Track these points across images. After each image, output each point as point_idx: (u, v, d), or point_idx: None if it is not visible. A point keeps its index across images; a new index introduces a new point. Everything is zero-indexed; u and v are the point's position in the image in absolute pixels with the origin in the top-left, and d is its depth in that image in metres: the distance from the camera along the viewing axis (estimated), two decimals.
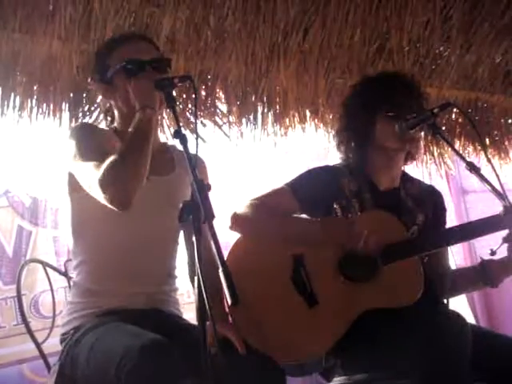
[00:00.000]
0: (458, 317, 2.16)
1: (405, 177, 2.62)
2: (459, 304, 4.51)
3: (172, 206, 2.13)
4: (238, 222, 2.44)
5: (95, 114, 2.92)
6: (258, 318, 2.27)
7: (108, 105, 2.35)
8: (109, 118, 2.36)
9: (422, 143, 2.67)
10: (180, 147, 1.78)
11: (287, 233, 2.43)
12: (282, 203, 2.47)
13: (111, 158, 1.92)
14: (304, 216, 2.53)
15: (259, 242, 2.44)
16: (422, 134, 2.59)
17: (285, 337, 2.28)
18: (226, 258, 2.30)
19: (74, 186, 2.12)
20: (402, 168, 2.62)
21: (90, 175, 1.95)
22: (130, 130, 1.97)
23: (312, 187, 2.47)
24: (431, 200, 2.62)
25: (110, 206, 1.92)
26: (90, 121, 2.92)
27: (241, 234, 2.46)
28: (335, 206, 2.45)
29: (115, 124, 2.27)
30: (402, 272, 2.32)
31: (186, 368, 1.76)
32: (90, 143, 2.08)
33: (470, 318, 4.63)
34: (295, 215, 2.51)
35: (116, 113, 2.26)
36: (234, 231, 2.45)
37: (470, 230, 2.41)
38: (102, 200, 1.92)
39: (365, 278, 2.33)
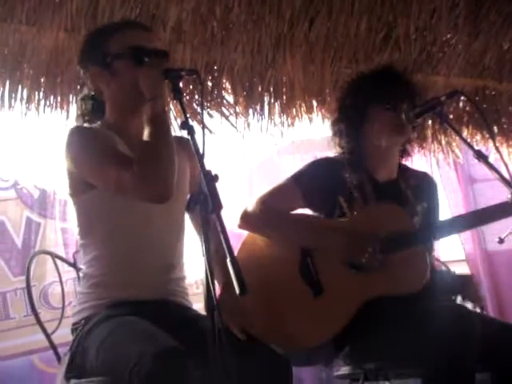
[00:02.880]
0: (465, 310, 2.20)
1: (401, 168, 2.63)
2: None
3: (178, 192, 2.15)
4: (245, 223, 2.50)
5: None
6: (265, 308, 2.31)
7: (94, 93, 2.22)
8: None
9: (428, 132, 2.64)
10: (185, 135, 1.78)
11: (291, 238, 2.47)
12: (288, 200, 2.51)
13: (141, 154, 1.93)
14: (307, 212, 2.56)
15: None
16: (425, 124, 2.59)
17: (290, 325, 2.32)
18: (237, 249, 2.37)
19: (78, 189, 2.11)
20: (398, 161, 2.63)
21: (118, 177, 1.94)
22: (146, 122, 1.96)
23: (316, 180, 2.49)
24: (427, 187, 2.64)
25: (151, 202, 1.95)
26: None
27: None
28: (340, 199, 2.46)
29: (106, 118, 2.20)
30: (408, 261, 2.34)
31: (200, 373, 1.77)
32: (97, 145, 2.05)
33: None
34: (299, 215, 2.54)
35: (108, 103, 2.19)
36: (243, 230, 2.50)
37: (476, 218, 2.43)
38: (139, 198, 1.94)
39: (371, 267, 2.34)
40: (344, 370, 2.46)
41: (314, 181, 2.50)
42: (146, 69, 2.02)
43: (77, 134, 2.13)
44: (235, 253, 2.17)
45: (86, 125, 2.22)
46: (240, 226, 2.51)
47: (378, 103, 2.49)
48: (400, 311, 2.22)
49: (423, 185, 2.63)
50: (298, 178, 2.52)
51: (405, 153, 2.64)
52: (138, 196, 1.94)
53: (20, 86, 2.89)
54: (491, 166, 2.14)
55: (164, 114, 2.00)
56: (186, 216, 2.26)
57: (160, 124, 1.97)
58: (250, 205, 2.51)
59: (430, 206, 2.59)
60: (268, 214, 2.47)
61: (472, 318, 2.14)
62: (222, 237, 1.53)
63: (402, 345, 2.18)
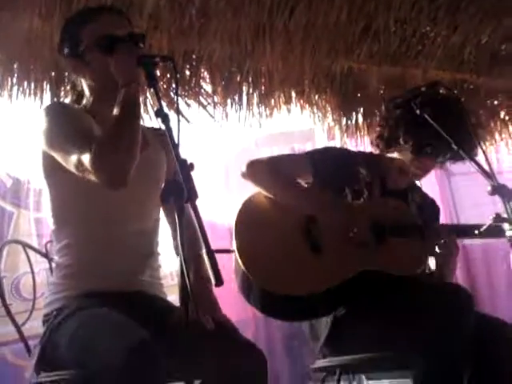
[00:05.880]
0: (465, 294, 2.21)
1: (411, 184, 2.68)
2: None
3: (153, 181, 2.13)
4: (252, 173, 2.48)
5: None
6: (265, 259, 2.34)
7: (75, 81, 2.24)
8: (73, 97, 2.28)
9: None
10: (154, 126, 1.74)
11: (290, 200, 2.48)
12: (295, 169, 2.53)
13: (102, 136, 1.88)
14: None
15: (273, 200, 2.49)
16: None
17: (288, 273, 2.34)
18: (238, 209, 2.43)
19: (50, 169, 2.08)
20: None
21: (80, 157, 1.88)
22: (115, 107, 1.91)
23: (330, 164, 2.51)
24: (431, 213, 2.70)
25: (106, 187, 1.88)
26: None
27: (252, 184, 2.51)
28: (346, 190, 2.49)
29: (84, 102, 2.18)
30: (409, 246, 2.39)
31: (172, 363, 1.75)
32: (69, 123, 2.02)
33: None
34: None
35: (86, 90, 2.18)
36: (246, 179, 2.50)
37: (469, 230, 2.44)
38: (96, 181, 1.87)
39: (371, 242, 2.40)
40: (321, 362, 2.45)
41: (326, 162, 2.52)
42: (117, 56, 1.97)
43: (50, 109, 2.12)
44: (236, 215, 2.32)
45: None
46: (244, 175, 2.49)
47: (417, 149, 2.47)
48: (396, 294, 2.26)
49: (427, 208, 2.68)
50: (312, 155, 2.56)
51: None
52: (94, 178, 1.87)
53: None
54: (472, 159, 2.14)
55: (134, 99, 1.92)
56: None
57: (128, 108, 1.90)
58: (259, 159, 2.52)
59: None
60: (275, 173, 2.47)
61: (470, 303, 2.16)
62: (197, 226, 1.50)
63: (395, 329, 2.21)
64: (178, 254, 1.57)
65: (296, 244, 2.40)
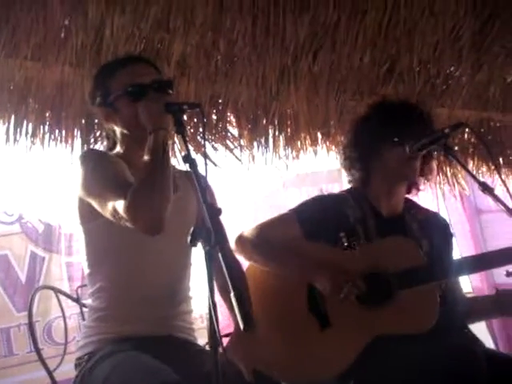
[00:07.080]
0: (470, 350, 2.15)
1: (408, 203, 2.62)
2: (477, 328, 4.44)
3: (182, 226, 2.13)
4: (238, 248, 2.46)
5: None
6: (270, 340, 2.28)
7: (107, 129, 2.30)
8: (105, 143, 2.34)
9: (433, 164, 2.61)
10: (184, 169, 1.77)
11: (280, 270, 2.45)
12: (287, 231, 2.49)
13: (135, 185, 1.92)
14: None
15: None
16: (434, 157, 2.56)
17: (297, 358, 2.29)
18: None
19: (86, 216, 2.12)
20: (405, 195, 2.61)
21: (115, 205, 1.93)
22: (145, 154, 1.95)
23: (317, 216, 2.48)
24: (437, 226, 2.62)
25: (143, 233, 1.92)
26: (102, 147, 2.93)
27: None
28: (341, 234, 2.44)
29: (117, 149, 2.25)
30: (417, 299, 2.31)
31: None
32: (105, 170, 2.07)
33: (489, 343, 4.55)
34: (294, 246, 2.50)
35: (118, 137, 2.24)
36: (237, 254, 2.46)
37: (488, 261, 2.44)
38: (132, 227, 1.91)
39: (379, 302, 2.32)
40: None
41: (315, 217, 2.49)
42: (146, 103, 2.03)
43: (87, 156, 2.19)
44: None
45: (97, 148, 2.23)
46: (234, 251, 2.45)
47: (389, 143, 2.47)
48: (406, 349, 2.17)
49: (432, 222, 2.60)
50: (300, 213, 2.52)
51: (413, 185, 2.61)
52: (130, 225, 1.92)
53: (25, 121, 2.89)
54: (497, 198, 2.13)
55: (163, 146, 1.97)
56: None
57: (157, 155, 1.94)
58: (247, 230, 2.50)
59: (438, 244, 2.55)
60: (262, 243, 2.45)
61: (479, 358, 2.10)
62: (225, 271, 1.51)
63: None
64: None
65: (304, 322, 2.36)
